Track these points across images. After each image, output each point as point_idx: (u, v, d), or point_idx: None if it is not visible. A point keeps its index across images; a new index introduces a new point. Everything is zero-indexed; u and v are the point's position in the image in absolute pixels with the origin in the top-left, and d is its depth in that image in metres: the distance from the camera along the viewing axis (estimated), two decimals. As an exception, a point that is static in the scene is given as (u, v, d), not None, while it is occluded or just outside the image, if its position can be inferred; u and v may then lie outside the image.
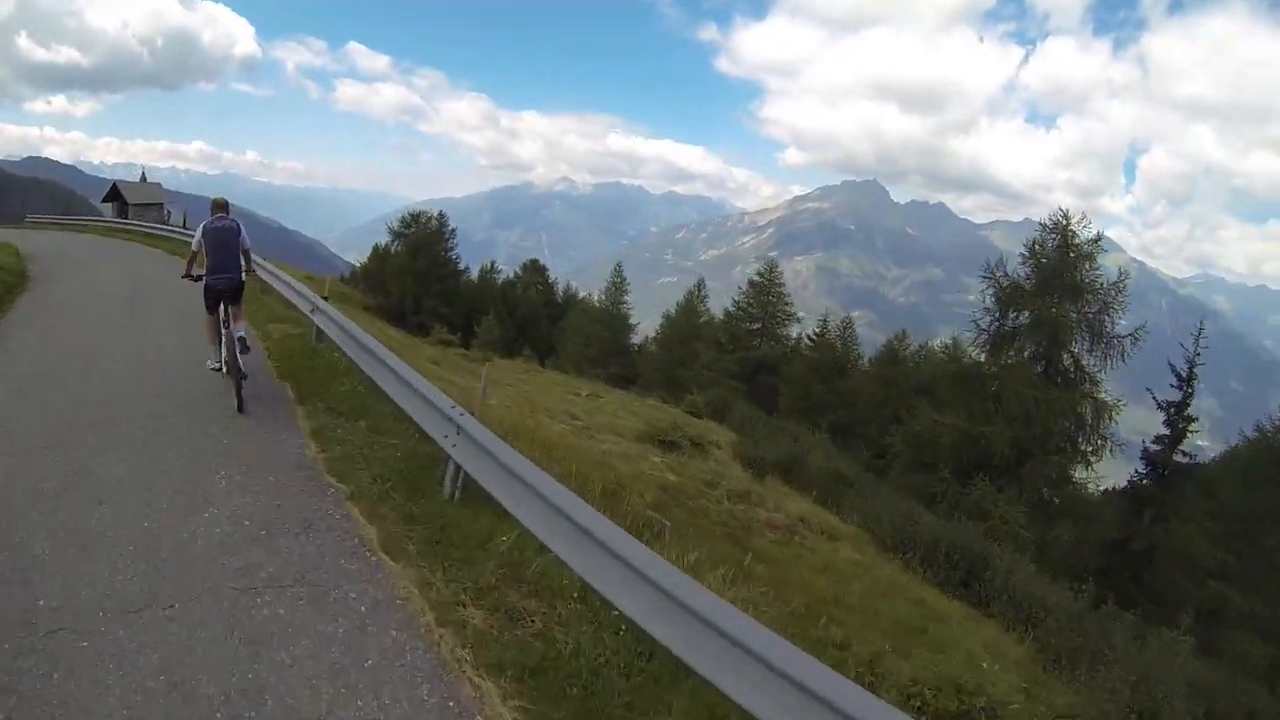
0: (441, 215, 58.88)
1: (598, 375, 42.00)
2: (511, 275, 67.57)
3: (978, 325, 23.30)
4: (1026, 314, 22.19)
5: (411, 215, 58.90)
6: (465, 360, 23.58)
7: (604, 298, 53.34)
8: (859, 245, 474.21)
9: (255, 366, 8.56)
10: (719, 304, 49.45)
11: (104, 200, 50.17)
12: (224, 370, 7.52)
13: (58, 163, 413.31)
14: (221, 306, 7.59)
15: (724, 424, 23.89)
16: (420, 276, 52.29)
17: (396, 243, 58.21)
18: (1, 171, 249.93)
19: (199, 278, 7.70)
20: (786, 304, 42.58)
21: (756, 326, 42.21)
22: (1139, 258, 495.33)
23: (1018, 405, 20.68)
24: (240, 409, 7.18)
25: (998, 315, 22.92)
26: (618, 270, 53.91)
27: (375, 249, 63.83)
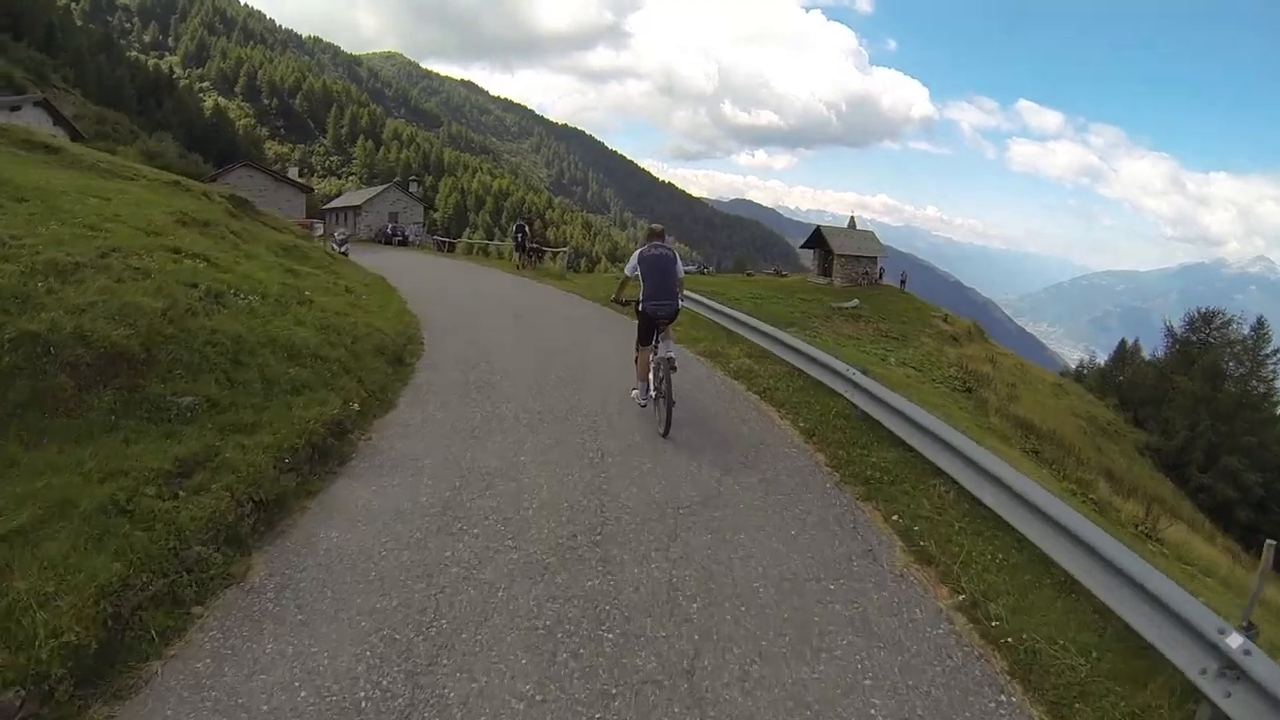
0: (1261, 324, 38.56)
1: None
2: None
3: None
4: None
5: (1202, 315, 40.53)
6: None
7: None
8: None
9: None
10: None
11: (804, 245, 45.20)
12: (653, 401, 7.49)
13: (759, 205, 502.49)
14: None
15: None
16: (1222, 417, 34.06)
17: (1171, 347, 41.01)
18: (713, 210, 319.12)
19: (627, 303, 7.80)
20: None
21: None
22: None
23: None
24: (666, 434, 7.05)
25: None
26: None
27: (1126, 350, 47.87)
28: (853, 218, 40.21)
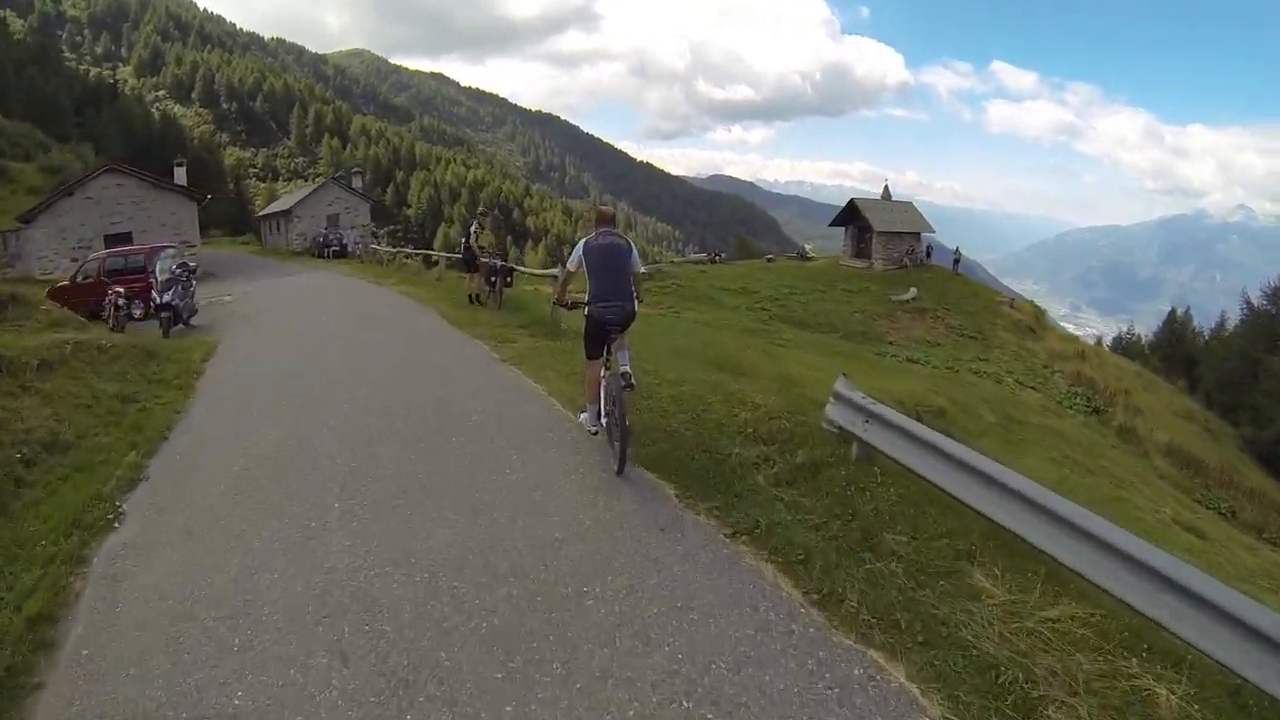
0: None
1: None
2: None
3: None
4: None
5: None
6: None
7: None
8: None
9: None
10: None
11: (834, 223, 38.59)
12: (603, 429, 5.76)
13: (737, 179, 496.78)
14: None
15: None
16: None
17: (1247, 319, 36.80)
18: (692, 187, 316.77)
19: (573, 305, 6.07)
20: None
21: None
22: None
23: None
24: (620, 471, 5.27)
25: None
26: None
27: (1176, 320, 43.50)
28: (886, 186, 34.23)
